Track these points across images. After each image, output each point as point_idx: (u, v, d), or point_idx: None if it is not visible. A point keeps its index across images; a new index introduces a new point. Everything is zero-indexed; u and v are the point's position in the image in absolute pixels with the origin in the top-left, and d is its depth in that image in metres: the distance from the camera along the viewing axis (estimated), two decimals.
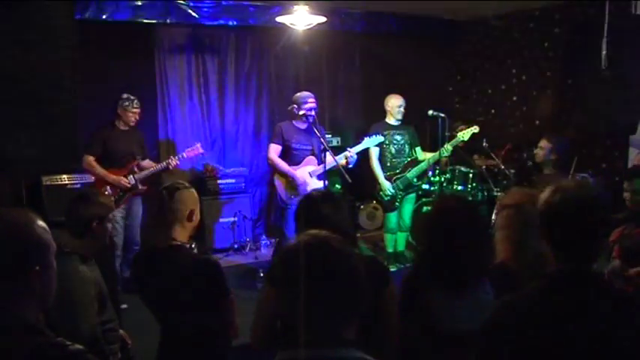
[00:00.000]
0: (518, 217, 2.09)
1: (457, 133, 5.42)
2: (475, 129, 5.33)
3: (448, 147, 5.24)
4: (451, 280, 1.95)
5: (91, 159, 4.75)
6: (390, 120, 5.44)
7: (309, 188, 4.86)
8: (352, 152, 4.98)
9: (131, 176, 4.89)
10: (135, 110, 4.89)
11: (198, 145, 5.29)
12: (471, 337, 1.62)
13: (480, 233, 2.05)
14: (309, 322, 1.30)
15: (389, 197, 5.39)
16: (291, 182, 4.89)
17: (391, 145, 5.42)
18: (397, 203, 5.46)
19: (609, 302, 1.46)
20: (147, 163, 5.09)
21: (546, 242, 1.53)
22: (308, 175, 4.92)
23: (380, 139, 5.23)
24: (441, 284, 1.96)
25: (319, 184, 4.83)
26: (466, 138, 5.33)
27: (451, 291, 1.95)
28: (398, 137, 5.44)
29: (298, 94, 4.99)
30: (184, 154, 5.17)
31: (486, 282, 2.01)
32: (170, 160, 5.07)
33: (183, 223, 2.39)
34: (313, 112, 4.81)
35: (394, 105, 5.40)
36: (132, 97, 4.88)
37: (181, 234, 2.40)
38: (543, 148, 4.56)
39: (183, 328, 2.33)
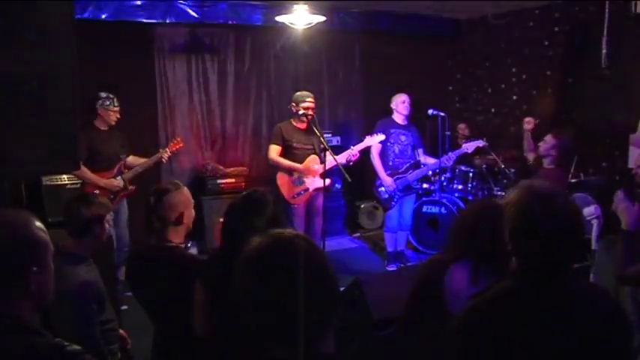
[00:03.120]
0: None
1: (461, 141, 5.41)
2: (480, 143, 5.38)
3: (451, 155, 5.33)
4: None
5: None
6: (397, 118, 5.44)
7: (312, 185, 4.89)
8: (355, 150, 4.99)
9: (119, 177, 4.80)
10: (115, 109, 4.75)
11: (179, 139, 5.28)
12: None
13: None
14: (280, 335, 1.17)
15: (388, 195, 5.39)
16: (295, 180, 4.90)
17: (395, 145, 5.41)
18: (394, 202, 5.46)
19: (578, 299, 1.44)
20: (132, 159, 5.00)
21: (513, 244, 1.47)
22: (312, 172, 4.93)
23: (381, 137, 5.22)
24: None
25: (321, 183, 4.84)
26: (470, 150, 5.36)
27: None
28: (402, 137, 5.43)
29: (297, 93, 4.99)
30: (168, 150, 5.08)
31: None
32: (163, 155, 4.99)
33: (175, 226, 2.37)
34: (311, 112, 4.82)
35: (399, 101, 5.40)
36: (111, 96, 4.74)
37: (175, 235, 2.39)
38: (547, 142, 4.63)
39: (176, 329, 2.32)
